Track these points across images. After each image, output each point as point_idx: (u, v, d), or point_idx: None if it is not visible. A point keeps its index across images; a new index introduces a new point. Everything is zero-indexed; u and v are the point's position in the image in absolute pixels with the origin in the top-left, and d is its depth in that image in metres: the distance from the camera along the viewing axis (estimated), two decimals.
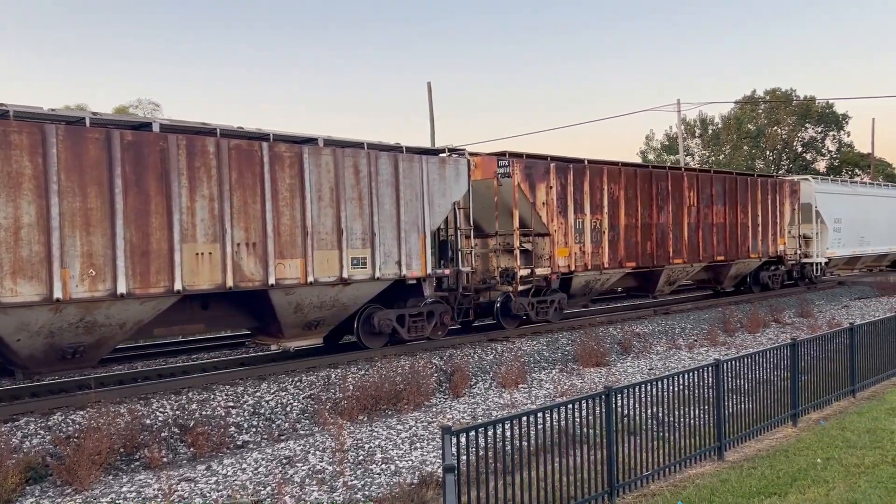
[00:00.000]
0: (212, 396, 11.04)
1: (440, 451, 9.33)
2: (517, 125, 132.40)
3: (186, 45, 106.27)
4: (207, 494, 7.84)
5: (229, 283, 11.54)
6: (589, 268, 17.63)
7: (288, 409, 11.14)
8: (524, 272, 16.28)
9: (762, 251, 24.08)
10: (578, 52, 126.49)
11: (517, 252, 16.31)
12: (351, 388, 11.79)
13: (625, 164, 18.91)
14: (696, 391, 8.79)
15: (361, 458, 9.05)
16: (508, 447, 6.78)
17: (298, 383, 11.98)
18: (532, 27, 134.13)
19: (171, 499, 7.56)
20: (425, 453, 9.32)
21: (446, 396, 12.43)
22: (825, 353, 11.40)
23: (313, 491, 8.01)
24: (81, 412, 9.92)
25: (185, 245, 11.11)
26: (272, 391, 11.55)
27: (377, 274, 13.59)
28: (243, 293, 12.07)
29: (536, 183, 16.54)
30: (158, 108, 55.58)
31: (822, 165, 60.79)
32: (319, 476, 8.40)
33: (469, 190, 15.34)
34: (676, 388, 8.57)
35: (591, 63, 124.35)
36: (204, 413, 10.45)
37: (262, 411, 10.91)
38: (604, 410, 7.54)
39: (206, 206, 11.36)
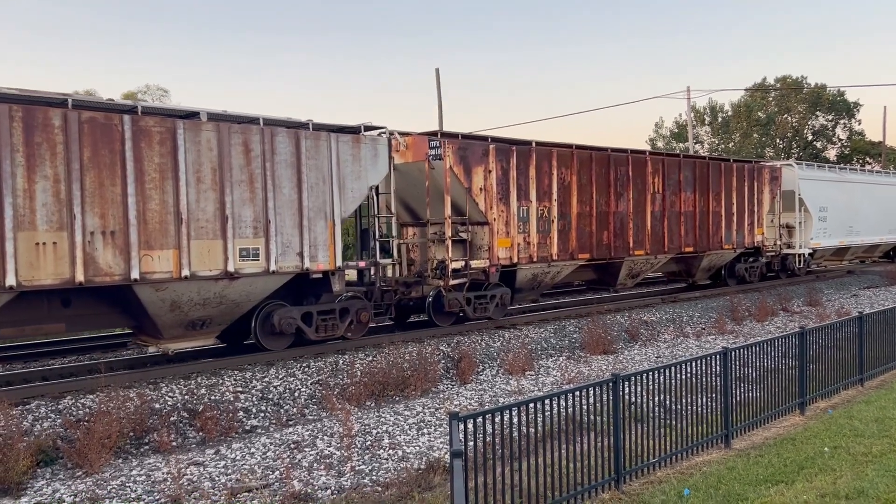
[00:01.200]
0: (220, 381, 11.10)
1: (447, 437, 9.37)
2: (526, 113, 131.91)
3: (191, 31, 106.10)
4: (216, 478, 7.90)
5: (80, 277, 10.05)
6: (535, 260, 16.10)
7: (296, 394, 11.19)
8: (457, 265, 14.87)
9: (737, 242, 22.37)
10: (587, 38, 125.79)
11: (449, 243, 14.77)
12: (359, 373, 11.84)
13: (579, 147, 17.23)
14: (704, 379, 8.79)
15: (369, 443, 9.10)
16: (515, 433, 6.80)
17: (307, 369, 12.02)
18: (540, 13, 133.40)
19: (181, 482, 7.62)
20: (432, 439, 9.36)
21: (453, 383, 12.46)
22: (834, 341, 11.38)
23: (321, 475, 8.06)
24: (91, 396, 10.00)
25: (20, 233, 9.66)
26: (280, 377, 11.60)
27: (273, 267, 12.02)
28: (110, 289, 10.66)
29: (473, 166, 14.98)
30: (167, 94, 55.57)
31: (832, 154, 60.40)
32: (327, 461, 8.45)
33: (391, 172, 13.86)
34: (684, 376, 8.58)
35: (599, 49, 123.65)
36: (213, 398, 10.52)
37: (271, 396, 10.97)
38: (611, 398, 7.55)
39: (49, 189, 9.88)
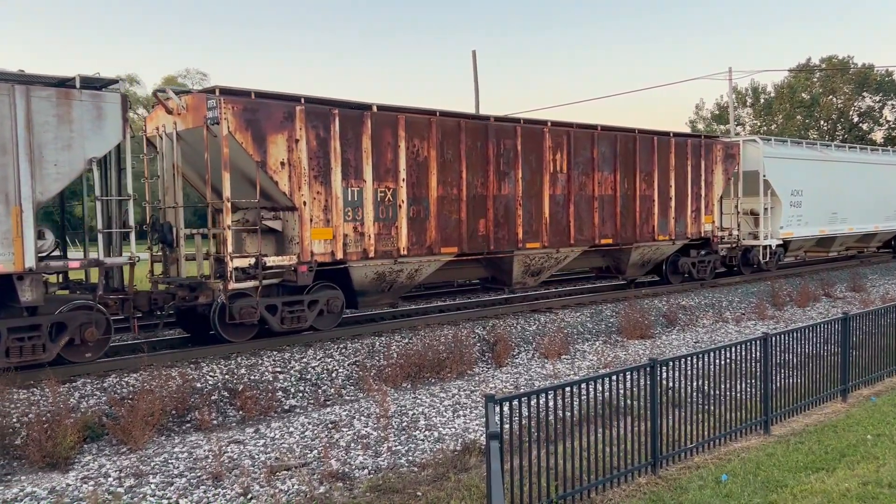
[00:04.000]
0: (259, 361, 11.27)
1: (483, 420, 9.42)
2: (563, 96, 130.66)
3: (227, 15, 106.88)
4: (256, 456, 8.04)
5: None
6: (372, 255, 12.76)
7: (333, 375, 11.33)
8: (241, 262, 11.49)
9: (677, 232, 18.47)
10: (627, 19, 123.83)
11: (228, 234, 11.41)
12: (395, 355, 11.94)
13: (444, 114, 13.87)
14: (743, 365, 8.69)
15: (405, 424, 9.18)
16: (551, 417, 6.80)
17: (343, 350, 12.15)
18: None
19: (221, 460, 7.78)
20: (468, 421, 9.41)
21: (489, 366, 12.50)
22: (878, 328, 11.14)
23: (358, 455, 8.17)
24: (135, 374, 10.23)
25: None
26: (318, 357, 11.74)
27: None
28: None
29: (269, 134, 11.50)
30: (206, 78, 56.32)
31: (879, 136, 58.85)
32: (364, 441, 8.55)
33: (125, 140, 10.76)
34: (722, 362, 8.49)
35: (640, 31, 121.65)
36: (252, 378, 10.69)
37: (309, 377, 11.11)
38: (648, 382, 7.51)
39: None
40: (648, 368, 7.53)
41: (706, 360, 8.34)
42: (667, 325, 16.00)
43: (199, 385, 10.22)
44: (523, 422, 6.45)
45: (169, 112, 12.27)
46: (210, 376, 10.56)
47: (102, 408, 9.28)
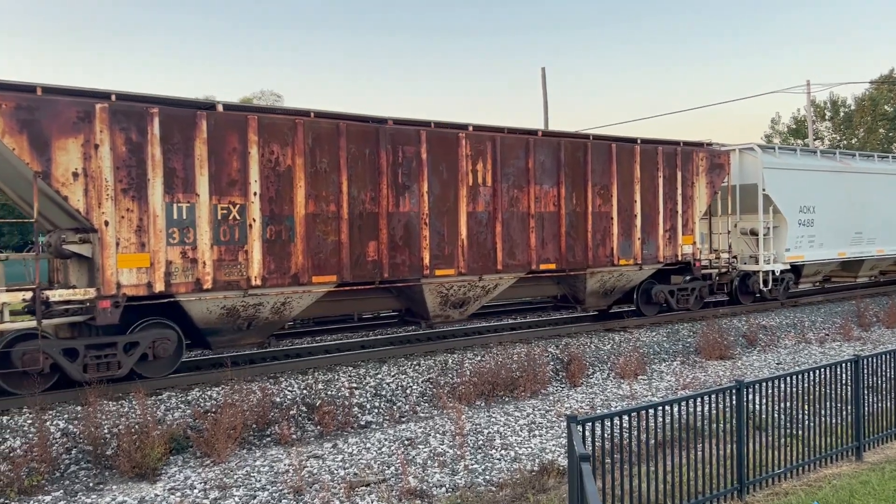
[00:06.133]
0: (336, 377, 11.43)
1: (559, 440, 9.32)
2: (636, 112, 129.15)
3: (295, 34, 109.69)
4: (335, 471, 8.14)
5: None
6: (209, 286, 10.50)
7: (408, 391, 11.39)
8: (8, 297, 9.53)
9: (644, 256, 15.69)
10: (700, 34, 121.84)
11: None
12: (468, 373, 11.93)
13: (319, 115, 11.68)
14: (831, 388, 8.37)
15: (480, 442, 9.15)
16: (633, 439, 6.68)
17: (417, 367, 12.21)
18: (650, 11, 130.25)
19: (301, 474, 7.90)
20: (544, 441, 9.32)
21: (563, 385, 12.36)
22: None
23: (435, 472, 8.18)
24: (217, 388, 10.50)
25: None
26: (392, 374, 11.83)
27: None
28: None
29: (55, 138, 9.35)
30: (280, 99, 57.80)
31: None
32: (441, 458, 8.56)
33: None
34: (808, 384, 8.20)
35: (713, 44, 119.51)
36: (329, 393, 10.84)
37: (384, 393, 11.20)
38: (734, 405, 7.31)
39: None
40: (734, 390, 7.33)
41: (792, 382, 8.08)
42: (747, 345, 15.54)
43: (278, 399, 10.42)
44: (606, 444, 6.36)
45: None
46: (288, 391, 10.76)
47: (187, 420, 9.55)
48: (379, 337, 14.90)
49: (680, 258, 16.40)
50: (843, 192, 19.98)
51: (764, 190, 18.00)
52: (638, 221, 15.58)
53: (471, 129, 13.31)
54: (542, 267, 14.18)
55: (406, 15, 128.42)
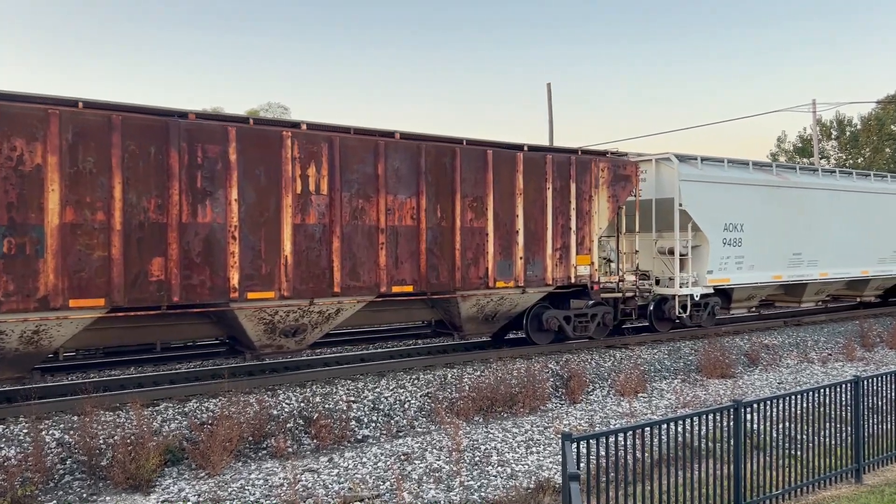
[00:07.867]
0: (334, 390, 11.39)
1: (557, 457, 9.26)
2: (641, 128, 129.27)
3: (304, 47, 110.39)
4: (329, 486, 8.10)
5: None
6: None
7: (406, 406, 11.34)
8: None
9: (528, 277, 13.77)
10: (705, 53, 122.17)
11: None
12: (467, 388, 11.88)
13: (88, 105, 9.77)
14: (831, 409, 8.32)
15: (477, 459, 9.10)
16: (629, 457, 6.63)
17: (416, 381, 12.17)
18: (657, 27, 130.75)
19: (296, 488, 7.86)
20: (542, 458, 9.26)
21: (562, 402, 12.30)
22: None
23: (430, 489, 8.12)
24: (214, 400, 10.48)
25: None
26: (391, 388, 11.79)
27: None
28: None
29: None
30: (287, 111, 58.06)
31: None
32: (436, 474, 8.51)
33: None
34: (809, 405, 8.14)
35: (721, 62, 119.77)
36: (326, 406, 10.81)
37: (381, 407, 11.16)
38: (731, 424, 7.26)
39: None
40: (732, 410, 7.28)
41: (792, 402, 8.02)
42: (749, 364, 15.45)
43: (275, 412, 10.39)
44: (601, 462, 6.31)
45: None
46: (286, 403, 10.72)
47: (183, 432, 9.52)
48: (378, 350, 14.88)
49: (574, 280, 14.49)
50: (779, 210, 17.90)
51: (681, 205, 15.93)
52: (520, 238, 13.67)
53: (303, 127, 11.49)
54: (396, 289, 12.25)
55: (401, 27, 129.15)
